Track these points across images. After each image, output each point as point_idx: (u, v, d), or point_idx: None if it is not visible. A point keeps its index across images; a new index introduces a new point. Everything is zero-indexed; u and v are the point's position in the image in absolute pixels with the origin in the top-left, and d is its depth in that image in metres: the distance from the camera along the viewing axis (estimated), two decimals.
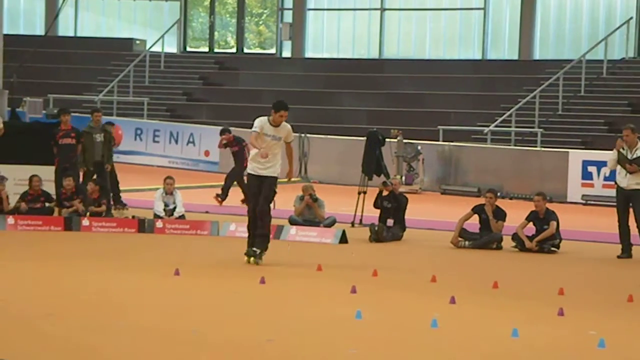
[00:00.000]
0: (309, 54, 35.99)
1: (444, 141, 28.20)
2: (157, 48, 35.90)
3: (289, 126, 14.24)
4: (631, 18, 31.26)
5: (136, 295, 11.73)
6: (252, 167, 14.23)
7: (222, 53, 37.14)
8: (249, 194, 14.71)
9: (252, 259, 14.24)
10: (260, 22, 37.88)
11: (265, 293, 12.11)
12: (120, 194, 20.62)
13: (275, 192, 14.30)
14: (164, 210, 18.68)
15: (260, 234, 14.24)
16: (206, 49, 37.40)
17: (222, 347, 9.23)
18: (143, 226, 17.91)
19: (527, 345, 9.62)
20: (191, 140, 31.16)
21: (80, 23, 38.87)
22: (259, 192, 14.19)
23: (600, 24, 32.44)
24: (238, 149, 22.07)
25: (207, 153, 30.62)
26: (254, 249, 14.28)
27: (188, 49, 37.58)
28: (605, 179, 24.30)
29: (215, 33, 37.48)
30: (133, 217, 18.47)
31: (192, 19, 38.25)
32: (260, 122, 14.07)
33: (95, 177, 19.43)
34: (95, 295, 11.60)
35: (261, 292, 12.14)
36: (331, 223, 18.46)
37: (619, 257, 16.38)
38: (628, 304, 12.08)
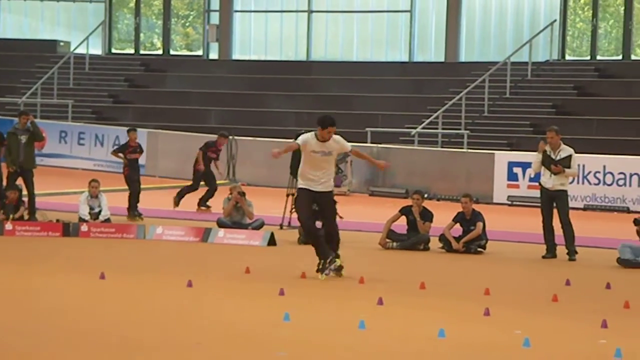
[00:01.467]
0: (236, 55, 35.88)
1: (371, 143, 28.29)
2: (81, 50, 35.52)
3: (338, 138, 13.68)
4: (555, 20, 31.66)
5: (61, 299, 11.58)
6: (305, 183, 13.74)
7: (148, 55, 36.87)
8: (299, 205, 13.97)
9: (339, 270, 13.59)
10: (187, 24, 37.69)
11: (193, 296, 12.03)
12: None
13: (335, 202, 13.92)
14: (89, 213, 18.48)
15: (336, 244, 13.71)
16: (132, 51, 37.10)
17: (151, 350, 9.15)
18: (68, 230, 17.69)
19: (454, 345, 9.68)
20: (117, 142, 30.84)
21: (2, 24, 38.33)
22: (310, 205, 13.73)
23: (524, 26, 32.80)
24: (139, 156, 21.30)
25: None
26: (337, 257, 13.58)
27: (113, 50, 37.24)
28: (531, 180, 24.55)
29: (141, 35, 37.20)
30: (57, 220, 18.23)
31: (118, 20, 37.91)
32: (305, 138, 13.59)
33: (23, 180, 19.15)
34: (20, 299, 11.42)
35: (189, 295, 12.06)
36: (259, 225, 18.42)
37: (543, 257, 16.57)
38: (553, 303, 12.22)
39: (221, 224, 18.20)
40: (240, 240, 17.23)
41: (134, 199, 20.27)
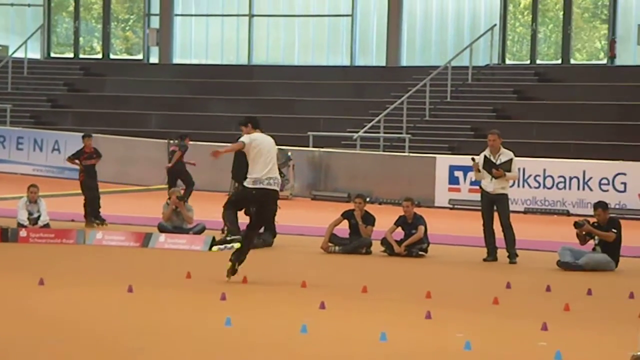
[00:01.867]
0: (177, 59, 35.69)
1: (314, 147, 28.29)
2: (20, 54, 35.12)
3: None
4: (495, 25, 31.90)
5: (0, 306, 11.41)
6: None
7: (87, 59, 36.56)
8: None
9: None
10: (127, 28, 37.42)
11: (134, 301, 11.92)
12: None
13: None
14: (28, 219, 18.25)
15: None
16: (71, 55, 36.76)
17: (93, 356, 9.04)
18: (6, 235, 17.45)
19: (396, 348, 9.69)
20: (56, 147, 30.55)
21: None
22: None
23: (465, 31, 33.00)
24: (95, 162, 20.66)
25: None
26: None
27: (52, 54, 36.87)
28: (472, 183, 24.67)
29: (81, 39, 36.86)
30: None
31: (57, 24, 37.54)
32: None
33: None
34: None
35: (130, 301, 11.95)
36: (201, 230, 18.32)
37: (484, 260, 16.65)
38: (494, 306, 12.28)
39: (162, 229, 18.08)
40: (181, 245, 17.12)
41: (91, 206, 19.88)
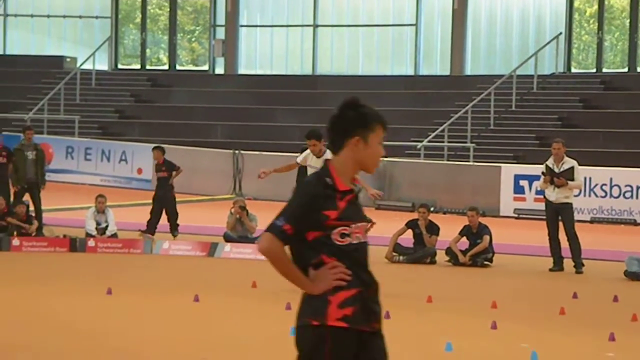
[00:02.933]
0: (242, 70, 35.92)
1: None
2: (88, 65, 35.58)
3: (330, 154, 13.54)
4: (560, 33, 31.67)
5: (70, 316, 11.58)
6: None
7: (154, 70, 36.94)
8: None
9: None
10: (193, 39, 37.76)
11: (199, 311, 12.02)
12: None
13: None
14: (96, 229, 18.48)
15: None
16: (138, 66, 37.17)
17: None
18: (75, 245, 17.70)
19: (461, 358, 9.66)
20: (123, 158, 30.90)
21: (9, 41, 38.42)
22: None
23: (530, 39, 32.82)
24: (166, 174, 20.10)
25: (139, 171, 30.39)
26: None
27: (120, 66, 37.31)
28: (537, 192, 24.51)
29: (147, 50, 37.27)
30: (64, 236, 18.24)
31: (124, 36, 37.99)
32: (303, 155, 13.78)
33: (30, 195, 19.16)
34: (30, 318, 11.42)
35: (195, 310, 12.05)
36: None
37: (550, 270, 16.53)
38: (560, 316, 12.19)
39: (228, 239, 18.20)
40: (247, 255, 17.22)
41: (155, 218, 19.49)
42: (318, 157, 13.59)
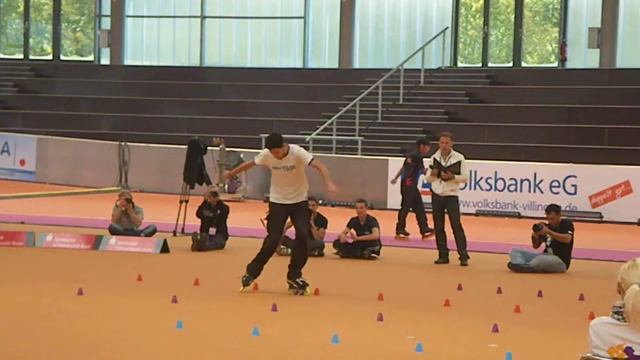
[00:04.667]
0: (129, 61, 35.49)
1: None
2: None
3: (297, 150, 13.12)
4: (447, 28, 32.03)
5: None
6: (275, 197, 13.19)
7: (37, 60, 36.24)
8: (271, 224, 13.40)
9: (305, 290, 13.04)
10: (78, 29, 37.13)
11: (84, 304, 11.80)
12: None
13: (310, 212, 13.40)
14: None
15: (301, 262, 13.17)
16: (21, 56, 36.41)
17: None
18: None
19: (348, 350, 9.67)
20: (6, 149, 30.24)
21: None
22: (284, 222, 13.47)
23: (417, 33, 33.11)
24: None
25: (22, 162, 29.77)
26: (302, 280, 13.10)
27: (2, 55, 36.49)
28: (424, 185, 24.75)
29: (31, 40, 36.53)
30: None
31: (6, 25, 37.17)
32: (262, 155, 13.26)
33: None
34: None
35: (80, 303, 11.82)
36: (152, 232, 18.20)
37: (436, 262, 16.69)
38: (445, 308, 12.30)
39: (113, 231, 17.94)
40: (133, 248, 17.00)
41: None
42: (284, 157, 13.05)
